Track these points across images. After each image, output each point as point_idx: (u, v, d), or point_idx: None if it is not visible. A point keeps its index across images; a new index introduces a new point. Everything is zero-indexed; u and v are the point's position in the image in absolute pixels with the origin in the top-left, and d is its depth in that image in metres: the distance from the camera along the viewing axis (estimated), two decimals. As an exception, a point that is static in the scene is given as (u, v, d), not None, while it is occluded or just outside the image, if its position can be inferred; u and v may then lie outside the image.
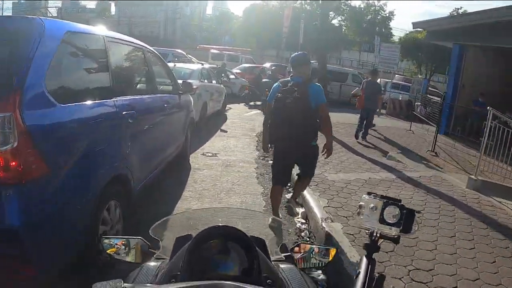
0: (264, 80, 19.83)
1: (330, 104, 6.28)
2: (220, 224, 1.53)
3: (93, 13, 68.33)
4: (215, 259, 1.39)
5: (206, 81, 13.52)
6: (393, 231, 1.61)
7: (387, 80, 26.10)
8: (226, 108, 17.11)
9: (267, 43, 54.72)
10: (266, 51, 55.31)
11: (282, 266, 1.82)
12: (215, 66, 20.90)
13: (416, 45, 50.82)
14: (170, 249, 1.71)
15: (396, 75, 35.19)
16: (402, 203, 1.62)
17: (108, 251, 1.79)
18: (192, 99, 8.01)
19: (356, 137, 12.43)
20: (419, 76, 48.11)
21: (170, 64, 9.67)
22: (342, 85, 24.16)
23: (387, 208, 1.62)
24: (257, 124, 12.92)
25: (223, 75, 20.20)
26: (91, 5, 73.49)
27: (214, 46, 39.61)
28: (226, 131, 12.37)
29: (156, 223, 1.96)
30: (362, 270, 1.62)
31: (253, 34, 55.99)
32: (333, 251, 1.87)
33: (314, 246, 1.89)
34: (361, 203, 1.67)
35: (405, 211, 1.60)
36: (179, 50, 28.93)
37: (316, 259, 1.87)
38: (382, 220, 1.61)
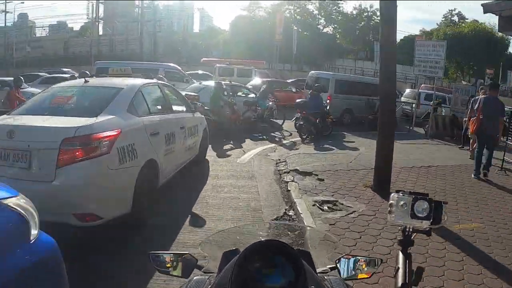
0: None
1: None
2: (267, 238, 1.57)
3: (74, 33, 66.01)
4: (262, 272, 1.37)
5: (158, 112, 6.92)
6: (425, 224, 1.80)
7: (421, 91, 22.59)
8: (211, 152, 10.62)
9: (257, 56, 50.86)
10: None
11: (328, 278, 1.82)
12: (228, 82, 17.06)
13: (459, 40, 46.23)
14: (217, 264, 1.70)
15: (422, 84, 31.25)
16: (430, 197, 1.81)
17: (156, 266, 1.84)
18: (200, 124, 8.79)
19: (477, 173, 9.15)
20: (463, 83, 41.30)
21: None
22: (372, 99, 18.16)
23: (416, 203, 1.79)
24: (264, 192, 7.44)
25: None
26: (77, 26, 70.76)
27: (218, 59, 33.31)
28: (201, 220, 5.99)
29: (204, 238, 2.05)
30: (401, 265, 1.90)
31: (241, 47, 52.40)
32: (378, 262, 1.85)
33: (358, 257, 1.87)
34: (391, 201, 1.83)
35: (433, 203, 1.79)
36: (172, 64, 23.44)
37: (360, 270, 1.84)
38: (413, 215, 1.79)
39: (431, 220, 1.77)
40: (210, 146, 9.81)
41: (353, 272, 1.85)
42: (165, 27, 64.06)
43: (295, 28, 52.03)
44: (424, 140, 15.06)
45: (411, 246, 1.86)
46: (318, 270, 1.75)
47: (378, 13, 52.37)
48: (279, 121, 15.58)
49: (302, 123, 13.18)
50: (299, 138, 13.03)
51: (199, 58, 40.24)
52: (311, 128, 13.16)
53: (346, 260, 1.86)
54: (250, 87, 18.41)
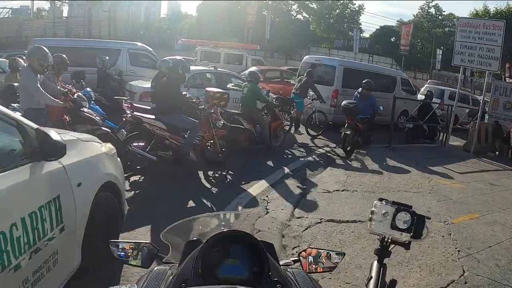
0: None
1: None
2: (230, 229, 1.59)
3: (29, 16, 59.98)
4: (226, 263, 1.39)
5: None
6: (404, 237, 1.75)
7: (443, 87, 19.04)
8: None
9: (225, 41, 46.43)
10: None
11: (291, 270, 1.79)
12: (212, 68, 12.64)
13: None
14: (179, 254, 1.73)
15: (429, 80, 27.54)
16: (413, 209, 1.78)
17: (116, 256, 1.82)
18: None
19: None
20: (508, 80, 31.65)
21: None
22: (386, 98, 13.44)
23: (398, 214, 1.75)
24: None
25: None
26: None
27: (200, 41, 27.67)
28: None
29: (166, 228, 1.96)
30: (374, 275, 1.86)
31: (209, 32, 48.00)
32: (340, 255, 1.86)
33: (322, 250, 1.88)
34: (372, 209, 1.80)
35: (416, 217, 1.75)
36: (139, 44, 15.79)
37: (323, 263, 1.86)
38: (393, 226, 1.75)
39: (412, 234, 1.72)
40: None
41: (316, 265, 1.85)
42: (129, 12, 58.61)
43: (268, 11, 48.37)
44: (475, 160, 11.38)
45: (387, 257, 1.83)
46: (281, 263, 1.77)
47: (355, 1, 48.77)
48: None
49: (348, 132, 9.98)
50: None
51: (164, 43, 35.75)
52: (357, 139, 10.41)
53: (310, 253, 1.86)
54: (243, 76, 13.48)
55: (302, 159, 9.46)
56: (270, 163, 8.82)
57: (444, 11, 67.54)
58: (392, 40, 63.28)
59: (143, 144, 7.22)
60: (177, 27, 59.69)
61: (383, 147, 11.20)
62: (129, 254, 1.79)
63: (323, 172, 8.35)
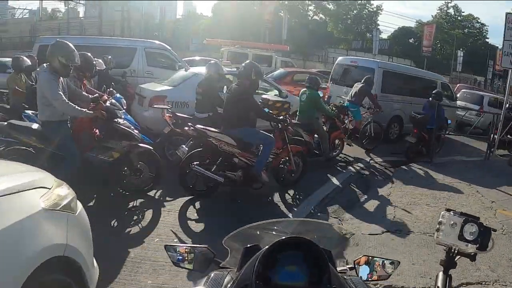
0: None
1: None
2: (291, 235, 1.57)
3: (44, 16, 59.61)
4: (286, 270, 1.35)
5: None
6: (470, 248, 1.72)
7: (482, 93, 17.57)
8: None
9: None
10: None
11: (349, 277, 1.79)
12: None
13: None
14: (237, 259, 1.74)
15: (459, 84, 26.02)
16: (481, 221, 1.75)
17: (171, 259, 1.86)
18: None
19: None
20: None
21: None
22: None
23: (466, 225, 1.73)
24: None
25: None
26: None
27: (226, 40, 25.73)
28: None
29: (229, 234, 1.95)
30: (440, 285, 1.87)
31: (224, 33, 47.23)
32: (396, 264, 1.86)
33: (376, 258, 1.89)
34: (440, 219, 1.79)
35: (482, 229, 1.72)
36: (157, 42, 14.30)
37: (377, 271, 1.86)
38: (461, 237, 1.73)
39: (478, 245, 1.70)
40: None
41: (371, 273, 1.85)
42: (143, 12, 57.89)
43: (285, 11, 47.69)
44: None
45: (453, 267, 1.82)
46: (338, 269, 1.76)
47: (373, 1, 47.49)
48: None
49: (412, 141, 9.70)
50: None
51: (179, 44, 34.86)
52: (421, 148, 10.00)
53: (365, 260, 1.86)
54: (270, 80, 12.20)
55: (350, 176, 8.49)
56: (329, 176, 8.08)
57: (463, 12, 66.54)
58: (411, 41, 62.28)
59: (206, 162, 6.09)
60: (193, 27, 59.04)
61: (423, 162, 9.96)
62: (185, 258, 1.81)
63: (368, 202, 7.18)
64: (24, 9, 56.61)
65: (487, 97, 17.26)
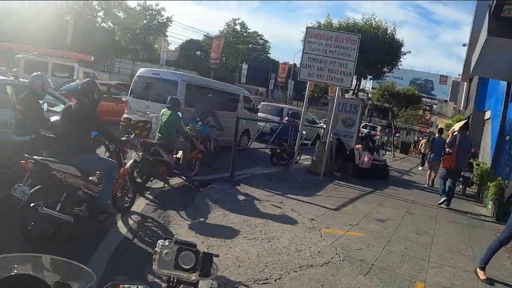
0: None
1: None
2: (18, 272, 1.42)
3: None
4: None
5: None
6: (192, 276, 1.68)
7: (282, 105, 18.56)
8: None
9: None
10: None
11: None
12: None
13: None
14: None
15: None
16: (196, 248, 1.70)
17: None
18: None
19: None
20: None
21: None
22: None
23: (181, 254, 1.67)
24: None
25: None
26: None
27: (19, 45, 22.63)
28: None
29: None
30: None
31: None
32: None
33: (126, 285, 1.64)
34: (156, 249, 1.70)
35: (200, 256, 1.68)
36: None
37: None
38: (177, 266, 1.66)
39: (200, 272, 1.68)
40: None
41: None
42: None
43: (71, 14, 44.80)
44: (330, 185, 10.93)
45: None
46: None
47: (163, 13, 47.66)
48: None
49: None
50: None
51: None
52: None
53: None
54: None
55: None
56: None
57: (249, 29, 72.23)
58: (198, 53, 64.62)
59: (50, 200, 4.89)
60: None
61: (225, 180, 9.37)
62: None
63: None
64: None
65: (286, 108, 18.65)
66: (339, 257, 5.54)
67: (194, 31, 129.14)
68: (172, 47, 60.59)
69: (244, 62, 59.76)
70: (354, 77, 10.90)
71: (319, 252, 5.65)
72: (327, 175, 11.56)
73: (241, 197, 8.20)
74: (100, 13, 57.77)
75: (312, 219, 7.23)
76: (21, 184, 4.81)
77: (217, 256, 1.80)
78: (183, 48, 61.34)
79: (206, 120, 10.41)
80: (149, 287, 1.68)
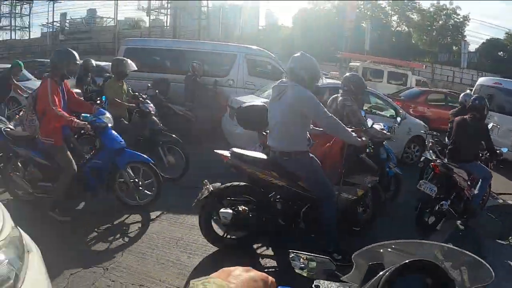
0: None
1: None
2: (419, 258, 1.43)
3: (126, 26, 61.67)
4: None
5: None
6: None
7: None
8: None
9: (321, 54, 42.54)
10: (322, 64, 44.71)
11: None
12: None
13: None
14: (357, 275, 1.67)
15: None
16: None
17: (297, 268, 1.79)
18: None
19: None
20: None
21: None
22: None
23: None
24: None
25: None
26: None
27: (359, 55, 25.35)
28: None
29: (360, 250, 1.82)
30: None
31: (303, 42, 46.06)
32: None
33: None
34: None
35: None
36: (255, 47, 12.44)
37: None
38: None
39: None
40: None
41: None
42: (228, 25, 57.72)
43: (367, 20, 46.63)
44: None
45: None
46: None
47: (458, 11, 44.56)
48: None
49: None
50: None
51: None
52: None
53: None
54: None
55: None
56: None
57: None
58: (500, 54, 58.15)
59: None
60: (273, 38, 58.49)
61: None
62: (306, 266, 1.75)
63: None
64: (108, 17, 58.57)
65: None
66: None
67: (493, 28, 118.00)
68: (471, 47, 56.71)
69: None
70: None
71: None
72: None
73: None
74: (394, 17, 58.15)
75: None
76: (427, 181, 5.64)
77: None
78: (483, 49, 56.46)
79: None
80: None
